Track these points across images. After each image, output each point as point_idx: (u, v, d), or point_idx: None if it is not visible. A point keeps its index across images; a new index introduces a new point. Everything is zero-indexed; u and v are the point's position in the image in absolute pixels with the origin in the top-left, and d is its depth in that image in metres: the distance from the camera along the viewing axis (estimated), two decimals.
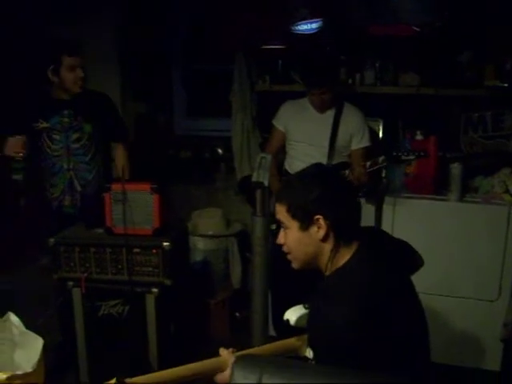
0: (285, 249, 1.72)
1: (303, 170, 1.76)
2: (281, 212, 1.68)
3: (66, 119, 3.10)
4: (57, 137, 3.12)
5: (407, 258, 1.72)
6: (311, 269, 1.70)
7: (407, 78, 3.80)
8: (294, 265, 1.72)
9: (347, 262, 1.59)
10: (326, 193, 1.62)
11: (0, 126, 3.19)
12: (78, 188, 3.16)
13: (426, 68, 3.74)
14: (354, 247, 1.62)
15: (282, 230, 1.72)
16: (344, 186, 1.74)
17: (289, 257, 1.73)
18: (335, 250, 1.61)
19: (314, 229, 1.61)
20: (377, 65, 3.86)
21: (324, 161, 3.27)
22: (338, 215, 1.60)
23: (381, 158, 3.06)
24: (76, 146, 3.14)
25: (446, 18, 3.43)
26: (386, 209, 3.42)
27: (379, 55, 3.85)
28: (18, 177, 3.02)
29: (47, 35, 4.25)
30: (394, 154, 3.01)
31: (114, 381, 1.44)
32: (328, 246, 1.62)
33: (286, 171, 3.41)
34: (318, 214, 1.59)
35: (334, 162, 3.31)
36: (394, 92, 3.84)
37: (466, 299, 3.39)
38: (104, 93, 3.33)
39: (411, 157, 3.00)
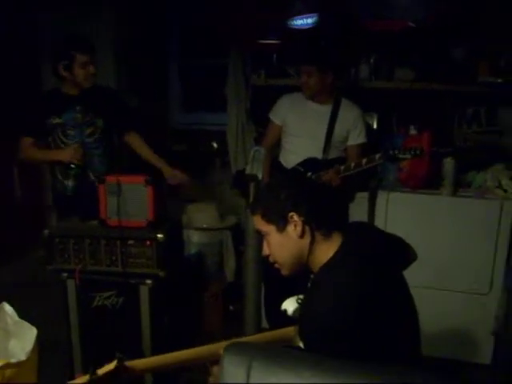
0: (271, 259, 1.76)
1: (270, 181, 1.87)
2: (257, 221, 1.74)
3: (78, 115, 3.16)
4: (71, 132, 3.19)
5: (399, 253, 1.74)
6: (301, 271, 1.73)
7: (402, 72, 3.82)
8: (283, 272, 1.76)
9: (332, 258, 1.62)
10: (294, 191, 1.69)
11: (19, 127, 3.28)
12: (92, 178, 3.19)
13: (420, 63, 3.76)
14: (337, 242, 1.65)
15: (264, 241, 1.76)
16: (311, 183, 1.89)
17: (276, 266, 1.76)
18: (315, 244, 1.65)
19: (291, 227, 1.66)
20: (371, 60, 3.88)
21: (319, 155, 3.28)
22: (311, 209, 1.66)
23: (377, 156, 3.07)
24: (90, 140, 3.21)
25: (440, 13, 3.44)
26: (380, 203, 3.44)
27: (374, 50, 3.87)
28: (70, 183, 3.23)
29: (47, 30, 4.29)
30: (391, 152, 3.02)
31: (115, 363, 1.46)
32: (306, 241, 1.66)
33: (281, 165, 3.43)
34: (290, 212, 1.65)
35: (330, 156, 3.32)
36: (388, 87, 3.86)
37: (458, 293, 3.41)
38: (110, 87, 3.39)
39: (407, 155, 3.01)
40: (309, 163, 3.28)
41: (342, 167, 3.16)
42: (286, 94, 3.48)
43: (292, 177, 1.82)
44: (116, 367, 1.47)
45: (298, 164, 3.31)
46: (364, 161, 3.11)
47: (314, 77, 3.24)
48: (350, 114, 3.32)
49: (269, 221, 1.69)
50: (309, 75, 3.24)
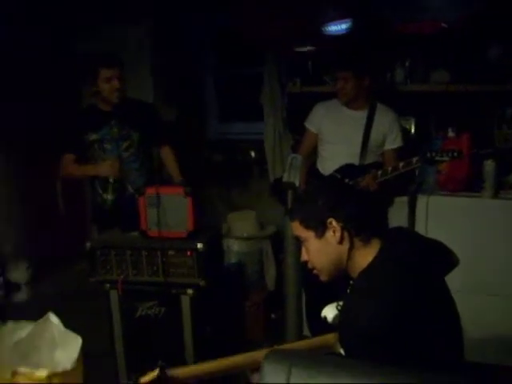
0: (309, 265, 1.76)
1: (308, 187, 1.87)
2: (296, 228, 1.75)
3: (114, 129, 3.23)
4: (108, 146, 3.26)
5: (440, 258, 1.72)
6: (340, 276, 1.73)
7: (437, 75, 3.78)
8: (322, 277, 1.76)
9: (370, 263, 1.61)
10: (332, 197, 1.70)
11: (60, 143, 3.38)
12: (131, 191, 3.25)
13: (455, 64, 3.71)
14: (376, 247, 1.64)
15: (302, 247, 1.77)
16: (348, 189, 1.87)
17: (315, 272, 1.77)
18: (354, 250, 1.65)
19: (329, 233, 1.66)
20: (406, 63, 3.86)
21: (356, 161, 3.28)
22: (349, 215, 1.65)
23: (414, 159, 3.05)
24: (127, 153, 3.28)
25: (473, 12, 3.39)
26: (420, 207, 3.40)
27: (409, 53, 3.85)
28: (109, 196, 3.30)
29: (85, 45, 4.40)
30: (428, 155, 2.99)
31: (157, 371, 1.49)
32: (345, 247, 1.66)
33: (318, 172, 3.43)
34: (329, 218, 1.65)
35: (367, 161, 3.31)
36: (424, 90, 3.83)
37: (501, 297, 3.34)
38: (146, 101, 3.44)
39: (445, 158, 2.98)
40: (346, 169, 3.28)
41: (380, 172, 3.14)
42: (320, 101, 3.49)
43: (329, 183, 1.83)
44: (158, 375, 1.49)
45: (335, 170, 3.30)
46: (401, 164, 3.09)
47: (350, 82, 3.24)
48: (385, 119, 3.31)
49: (307, 227, 1.70)
50: (345, 81, 3.24)
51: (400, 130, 3.37)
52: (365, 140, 3.29)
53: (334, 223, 1.64)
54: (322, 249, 1.69)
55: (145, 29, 4.58)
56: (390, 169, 3.12)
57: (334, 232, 1.65)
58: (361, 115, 3.32)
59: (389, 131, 3.32)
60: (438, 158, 2.99)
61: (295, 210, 1.79)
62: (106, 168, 3.20)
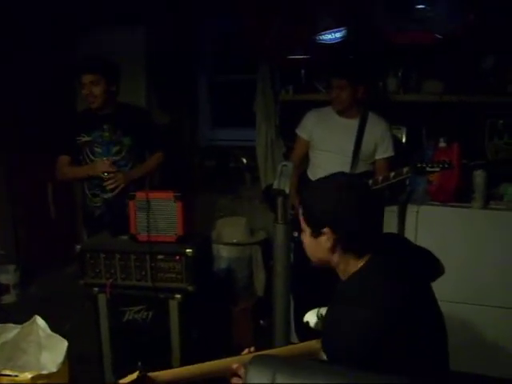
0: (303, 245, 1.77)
1: (329, 177, 1.73)
2: (300, 212, 1.74)
3: (106, 133, 3.25)
4: (98, 150, 3.27)
5: (427, 266, 1.73)
6: (329, 268, 1.72)
7: (430, 85, 3.80)
8: (312, 261, 1.76)
9: (358, 270, 1.61)
10: (341, 206, 1.59)
11: (55, 145, 3.40)
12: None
13: (449, 75, 3.73)
14: (366, 256, 1.62)
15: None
16: (363, 201, 1.63)
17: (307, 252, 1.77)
18: (343, 262, 1.64)
19: (323, 238, 1.63)
20: (399, 73, 3.87)
21: (347, 169, 3.27)
22: (348, 231, 1.60)
23: (405, 169, 3.05)
24: (117, 157, 3.28)
25: (468, 23, 3.42)
26: (410, 217, 3.42)
27: (402, 63, 3.87)
28: (99, 200, 3.31)
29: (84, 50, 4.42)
30: (419, 165, 2.99)
31: (136, 374, 1.48)
32: (337, 256, 1.64)
33: (309, 179, 3.43)
34: (326, 227, 1.60)
35: (358, 171, 3.31)
36: (417, 99, 3.84)
37: (493, 307, 3.35)
38: (141, 106, 3.45)
39: (436, 168, 2.97)
40: None
41: (370, 181, 3.15)
42: (312, 108, 3.49)
43: (342, 190, 1.63)
44: (138, 377, 1.49)
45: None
46: (392, 174, 3.09)
47: (345, 91, 3.24)
48: (377, 128, 3.31)
49: (306, 222, 1.69)
50: (341, 89, 3.24)
51: (391, 139, 3.38)
52: (356, 149, 3.29)
53: (330, 234, 1.60)
54: (313, 246, 1.68)
55: (139, 33, 4.59)
56: (380, 178, 3.13)
57: (327, 239, 1.62)
58: (353, 124, 3.32)
59: (380, 140, 3.32)
60: (428, 169, 2.99)
61: (305, 196, 1.75)
62: (100, 164, 3.21)
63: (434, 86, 3.79)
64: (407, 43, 3.67)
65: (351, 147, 3.29)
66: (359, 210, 1.61)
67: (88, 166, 3.29)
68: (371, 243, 1.63)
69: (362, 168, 3.32)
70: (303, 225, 1.71)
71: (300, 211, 1.73)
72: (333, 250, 1.63)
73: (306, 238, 1.70)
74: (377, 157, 3.36)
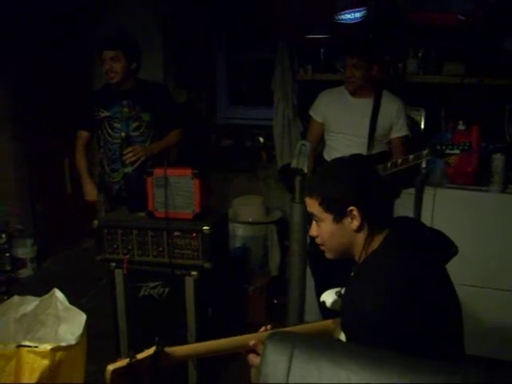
0: (318, 241, 1.73)
1: (334, 162, 1.78)
2: (313, 205, 1.69)
3: (125, 109, 3.25)
4: (117, 125, 3.30)
5: (441, 246, 1.72)
6: (345, 258, 1.72)
7: (451, 66, 3.75)
8: (328, 255, 1.74)
9: (376, 249, 1.61)
10: (359, 184, 1.62)
11: (72, 122, 3.46)
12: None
13: (470, 56, 3.68)
14: (383, 234, 1.63)
15: (314, 222, 1.73)
16: (376, 176, 1.72)
17: (322, 248, 1.74)
18: (369, 239, 1.63)
19: (347, 220, 1.62)
20: (420, 53, 3.83)
21: (363, 151, 3.25)
22: (372, 205, 1.61)
23: (424, 152, 3.00)
24: (136, 133, 3.30)
25: (491, 4, 3.36)
26: (426, 199, 3.39)
27: (422, 43, 3.82)
28: (117, 175, 3.40)
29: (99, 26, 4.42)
30: (438, 147, 2.94)
31: (153, 349, 1.50)
32: (362, 236, 1.63)
33: (325, 161, 3.41)
34: (351, 206, 1.60)
35: (374, 151, 3.29)
36: (437, 81, 3.80)
37: (507, 291, 3.34)
38: (160, 83, 3.45)
39: (456, 151, 2.92)
40: None
41: (389, 164, 3.11)
42: (325, 89, 3.46)
43: (356, 165, 1.69)
44: (155, 352, 1.50)
45: None
46: (411, 157, 3.05)
47: (359, 69, 3.20)
48: (392, 107, 3.27)
49: (327, 209, 1.64)
50: (355, 68, 3.20)
51: (406, 118, 3.33)
52: (372, 129, 3.26)
53: (356, 212, 1.60)
54: (336, 232, 1.65)
55: (157, 10, 4.58)
56: (399, 161, 3.08)
57: (352, 219, 1.61)
58: (366, 103, 3.28)
59: (395, 119, 3.28)
60: (448, 151, 2.94)
61: (316, 186, 1.70)
62: (91, 193, 3.38)
63: (454, 68, 3.74)
64: (429, 24, 3.62)
65: (366, 127, 3.26)
66: (376, 184, 1.66)
67: (86, 183, 3.43)
68: (389, 214, 1.70)
69: (378, 148, 3.30)
70: (321, 215, 1.66)
71: (312, 202, 1.69)
72: (359, 229, 1.62)
73: (327, 227, 1.66)
74: (392, 136, 3.31)
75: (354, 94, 3.31)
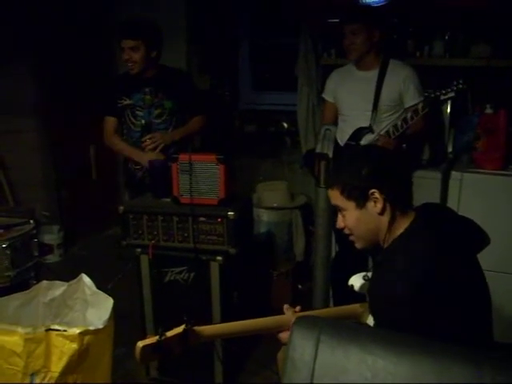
0: (346, 231, 1.74)
1: (347, 151, 1.80)
2: (335, 196, 1.71)
3: (147, 96, 3.26)
4: (140, 113, 3.29)
5: (472, 235, 1.70)
6: (374, 246, 1.72)
7: (478, 49, 3.68)
8: (358, 245, 1.74)
9: (404, 232, 1.61)
10: (375, 166, 1.64)
11: (98, 108, 3.42)
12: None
13: (497, 38, 3.60)
14: (410, 217, 1.63)
15: (339, 214, 1.74)
16: (389, 157, 1.76)
17: (351, 238, 1.74)
18: (393, 221, 1.63)
19: (370, 204, 1.63)
20: (446, 36, 3.77)
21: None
22: (392, 186, 1.63)
23: (420, 106, 2.86)
24: (158, 121, 3.30)
25: None
26: (453, 184, 3.36)
27: (449, 26, 3.75)
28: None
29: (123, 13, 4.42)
30: (432, 95, 2.80)
31: (183, 327, 1.51)
32: (386, 218, 1.64)
33: (337, 143, 3.30)
34: (372, 189, 1.61)
35: (382, 122, 3.14)
36: (463, 64, 3.73)
37: None
38: (182, 70, 3.43)
39: (450, 94, 2.75)
40: (357, 135, 3.14)
41: (391, 129, 2.98)
42: (335, 69, 3.41)
43: (371, 150, 1.76)
44: (184, 330, 1.52)
45: (348, 139, 3.17)
46: (409, 115, 2.90)
47: (360, 35, 3.06)
48: (398, 74, 3.11)
49: (349, 197, 1.66)
50: (354, 34, 3.07)
51: (418, 84, 3.14)
52: (376, 98, 3.12)
53: (377, 194, 1.61)
54: (361, 218, 1.66)
55: None
56: (399, 123, 2.94)
57: (375, 202, 1.62)
58: (372, 74, 3.15)
59: (404, 87, 3.12)
60: (443, 97, 2.80)
61: (335, 178, 1.73)
62: (149, 155, 3.22)
63: (481, 50, 3.67)
64: (455, 5, 3.55)
65: (370, 102, 3.13)
66: (392, 165, 1.69)
67: (137, 153, 3.30)
68: (411, 196, 1.69)
69: (387, 121, 3.14)
70: (344, 204, 1.68)
71: (334, 193, 1.70)
72: (383, 211, 1.63)
73: (352, 215, 1.68)
74: (406, 105, 3.14)
75: (359, 66, 3.20)
